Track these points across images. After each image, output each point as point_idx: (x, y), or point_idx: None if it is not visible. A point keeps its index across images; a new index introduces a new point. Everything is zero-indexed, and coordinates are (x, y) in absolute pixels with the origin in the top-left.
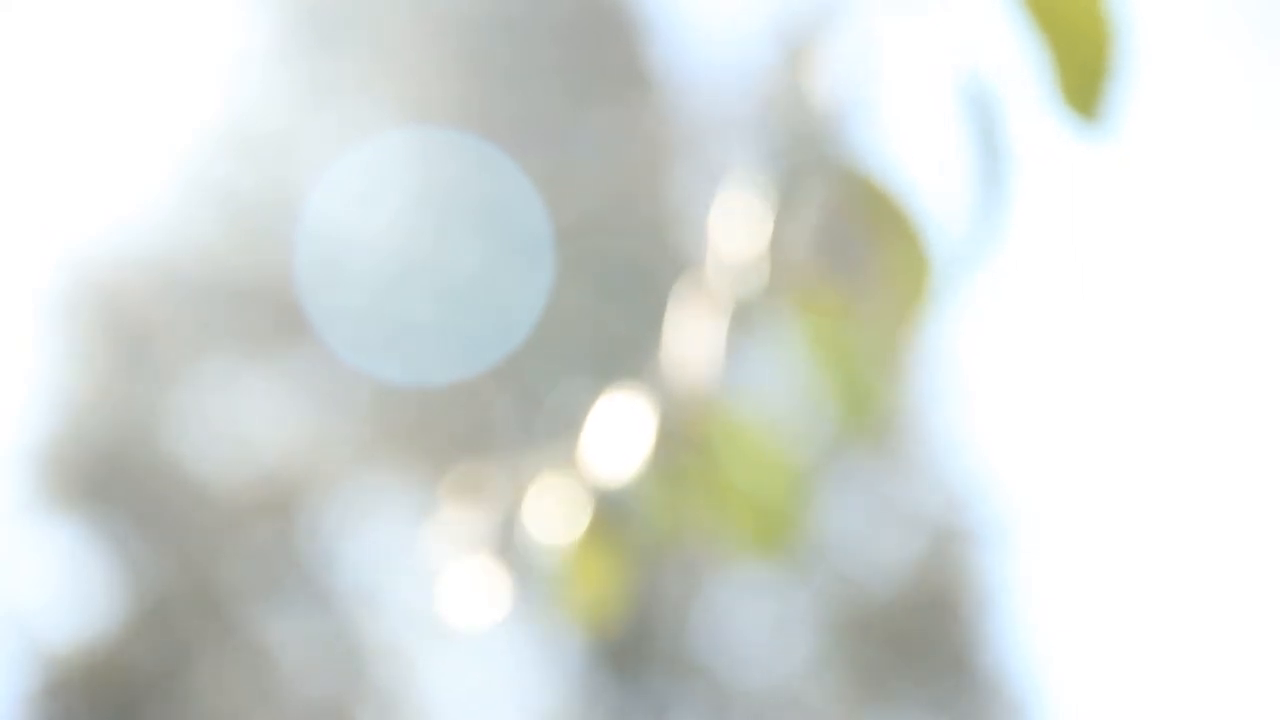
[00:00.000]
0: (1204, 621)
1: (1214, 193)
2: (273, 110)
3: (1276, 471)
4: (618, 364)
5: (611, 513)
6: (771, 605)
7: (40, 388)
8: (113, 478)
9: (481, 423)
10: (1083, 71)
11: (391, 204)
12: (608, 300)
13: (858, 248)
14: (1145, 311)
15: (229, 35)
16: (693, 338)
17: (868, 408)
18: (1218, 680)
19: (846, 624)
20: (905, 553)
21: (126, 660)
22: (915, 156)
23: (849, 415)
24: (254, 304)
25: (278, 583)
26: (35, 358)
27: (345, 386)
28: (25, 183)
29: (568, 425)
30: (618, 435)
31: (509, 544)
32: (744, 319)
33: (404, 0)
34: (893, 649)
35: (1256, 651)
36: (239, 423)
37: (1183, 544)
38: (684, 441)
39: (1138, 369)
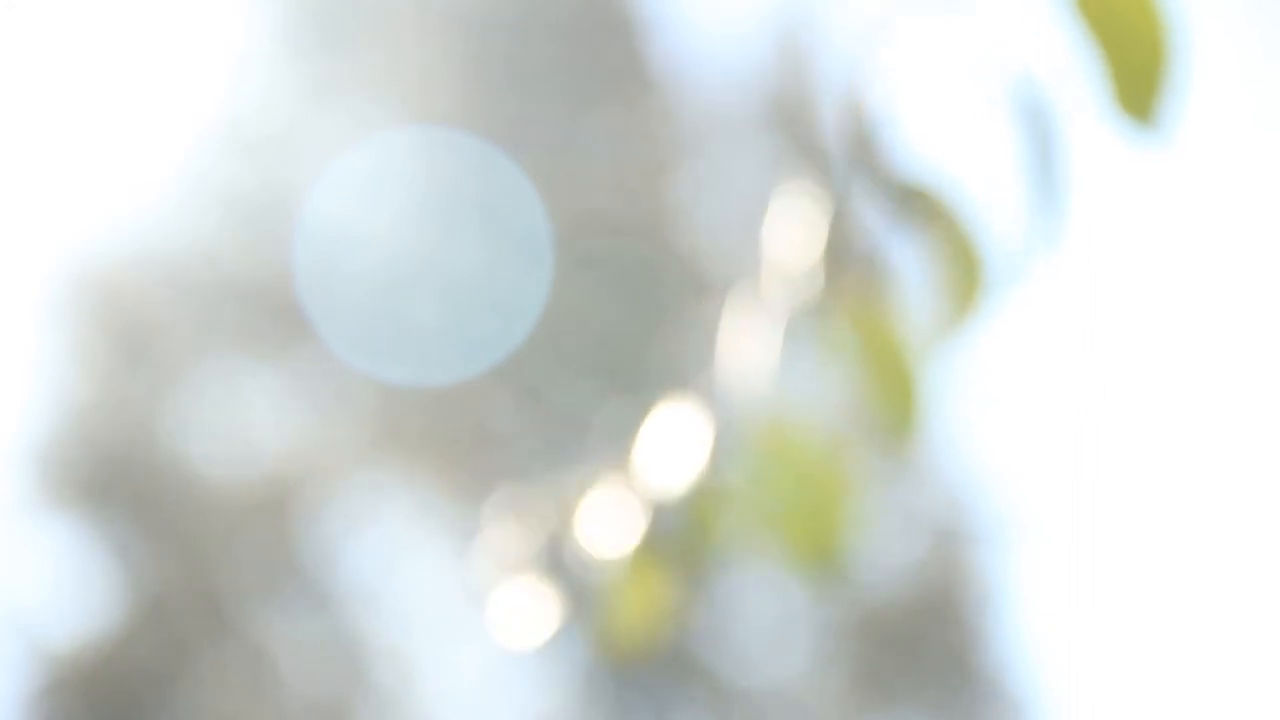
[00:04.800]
0: (1204, 622)
1: (1259, 201)
2: (274, 110)
3: (1276, 472)
4: (619, 363)
5: (663, 528)
6: (773, 605)
7: (40, 388)
8: (113, 478)
9: (482, 423)
10: (1137, 76)
11: (392, 204)
12: (608, 300)
13: (911, 256)
14: (1152, 313)
15: (230, 35)
16: (745, 348)
17: (914, 418)
18: (1218, 680)
19: (848, 625)
20: (907, 554)
21: (126, 660)
22: (968, 163)
23: (896, 425)
24: (254, 304)
25: (278, 583)
26: (35, 358)
27: (346, 386)
28: (25, 182)
29: (602, 438)
30: (672, 448)
31: (558, 561)
32: (796, 329)
33: (405, 0)
34: (894, 650)
35: (1256, 651)
36: (239, 423)
37: (1183, 545)
38: (735, 454)
39: (1140, 370)
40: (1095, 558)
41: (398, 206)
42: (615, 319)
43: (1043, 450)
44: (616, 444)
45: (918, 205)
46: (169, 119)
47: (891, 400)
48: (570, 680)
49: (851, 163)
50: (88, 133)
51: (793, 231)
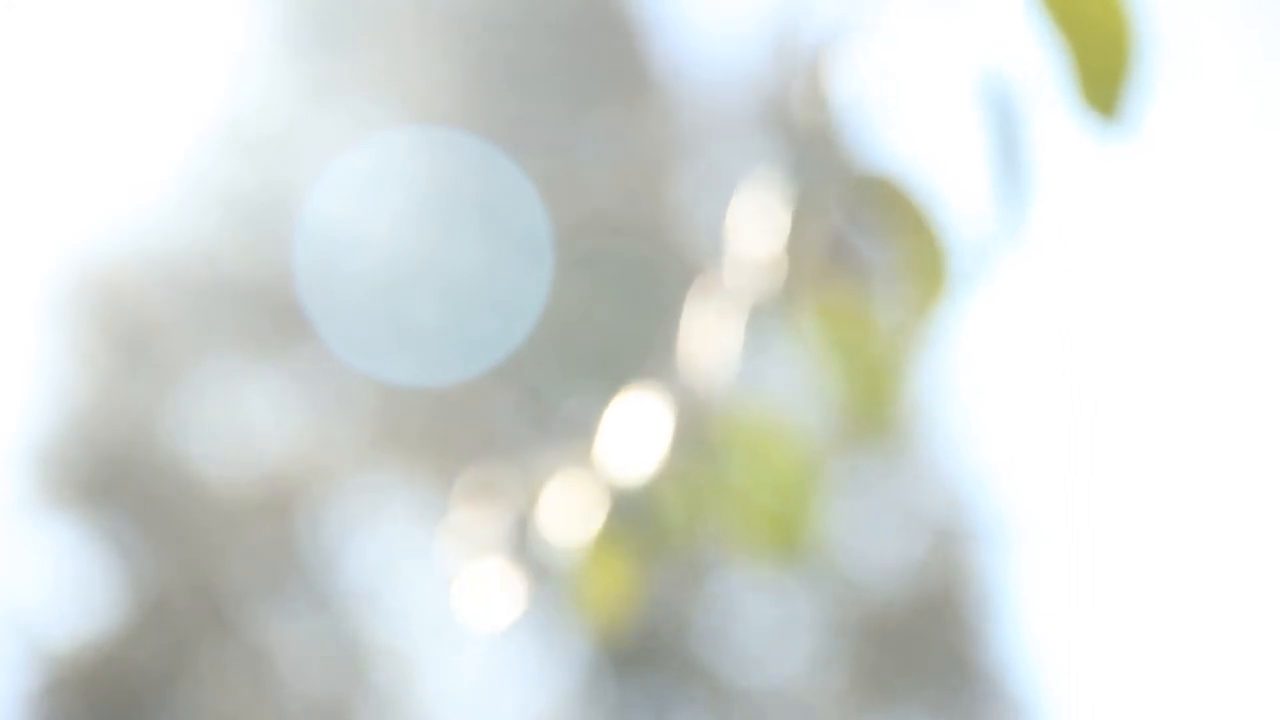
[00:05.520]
0: (1204, 621)
1: (1227, 194)
2: (274, 110)
3: (1276, 472)
4: (619, 363)
5: (627, 514)
6: (773, 605)
7: (40, 388)
8: (113, 478)
9: (483, 423)
10: (1102, 70)
11: (392, 204)
12: (609, 300)
13: (875, 247)
14: (1148, 311)
15: (230, 35)
16: (709, 338)
17: (884, 409)
18: (1218, 680)
19: (848, 624)
20: (907, 554)
21: (126, 660)
22: (934, 156)
23: (865, 416)
24: (254, 304)
25: (278, 583)
26: (35, 358)
27: (346, 387)
28: (25, 182)
29: (571, 426)
30: (634, 435)
31: (523, 545)
32: (760, 320)
33: (405, 0)
34: (894, 650)
35: (1256, 651)
36: (240, 423)
37: (1183, 544)
38: (699, 443)
39: (1139, 369)
40: (1094, 557)
41: (398, 206)
42: (615, 319)
43: (1042, 449)
44: (585, 432)
45: (881, 196)
46: (169, 119)
47: (861, 390)
48: (570, 680)
49: (812, 153)
50: (88, 133)
51: (759, 222)
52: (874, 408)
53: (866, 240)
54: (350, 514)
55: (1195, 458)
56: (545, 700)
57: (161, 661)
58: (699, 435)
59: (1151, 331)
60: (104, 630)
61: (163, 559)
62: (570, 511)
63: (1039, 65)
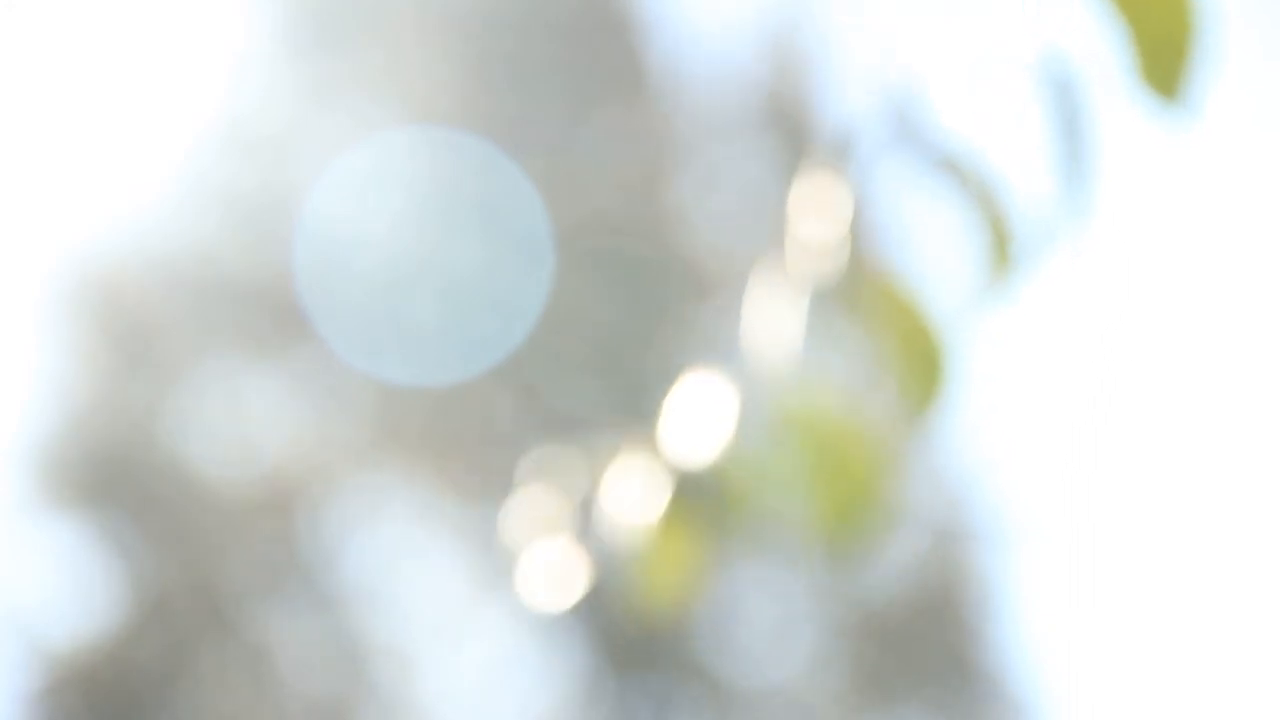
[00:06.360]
0: (1204, 621)
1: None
2: (274, 110)
3: (1276, 472)
4: (619, 363)
5: (691, 495)
6: (773, 605)
7: (40, 388)
8: (113, 478)
9: (482, 423)
10: (1164, 53)
11: (392, 204)
12: (609, 299)
13: (936, 231)
14: (1148, 309)
15: (230, 35)
16: (772, 321)
17: (939, 394)
18: (1218, 680)
19: (848, 625)
20: (907, 553)
21: (126, 660)
22: (997, 138)
23: (920, 401)
24: (254, 304)
25: (278, 583)
26: (35, 357)
27: (346, 386)
28: (26, 182)
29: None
30: (699, 417)
31: (587, 527)
32: (821, 304)
33: (405, 0)
34: (894, 649)
35: (1256, 652)
36: (240, 423)
37: (1183, 544)
38: (764, 425)
39: (1141, 369)
40: (1095, 557)
41: (398, 206)
42: (615, 319)
43: (1044, 449)
44: (637, 420)
45: (953, 180)
46: (169, 119)
47: (915, 376)
48: (570, 680)
49: (891, 139)
50: (88, 133)
51: (816, 209)
52: (928, 393)
53: (926, 225)
54: (350, 514)
55: (1196, 457)
56: (545, 700)
57: (161, 661)
58: (762, 417)
59: (1159, 329)
60: (104, 630)
61: (163, 559)
62: (635, 492)
63: (1101, 47)
